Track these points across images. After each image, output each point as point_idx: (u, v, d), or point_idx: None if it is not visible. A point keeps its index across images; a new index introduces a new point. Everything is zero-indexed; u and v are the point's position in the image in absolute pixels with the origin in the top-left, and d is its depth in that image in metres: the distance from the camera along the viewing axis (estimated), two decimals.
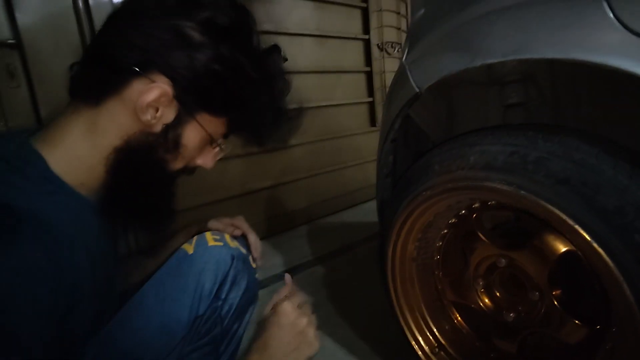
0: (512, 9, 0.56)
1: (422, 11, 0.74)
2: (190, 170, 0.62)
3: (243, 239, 0.84)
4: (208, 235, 0.74)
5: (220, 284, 0.69)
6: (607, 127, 0.66)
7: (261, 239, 0.87)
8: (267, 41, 0.58)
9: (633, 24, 0.45)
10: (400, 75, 0.76)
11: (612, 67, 0.45)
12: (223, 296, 0.69)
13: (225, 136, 0.62)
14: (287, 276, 0.71)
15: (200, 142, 0.58)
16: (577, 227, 0.46)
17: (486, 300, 0.71)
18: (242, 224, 0.86)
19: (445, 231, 0.75)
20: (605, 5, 0.47)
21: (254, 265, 0.79)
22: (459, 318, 0.78)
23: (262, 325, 0.61)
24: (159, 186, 0.58)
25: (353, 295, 1.24)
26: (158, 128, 0.53)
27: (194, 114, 0.54)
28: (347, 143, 2.18)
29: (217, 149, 0.62)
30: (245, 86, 0.55)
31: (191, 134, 0.55)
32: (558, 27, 0.50)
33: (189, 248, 0.71)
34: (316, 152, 2.03)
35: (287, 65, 0.62)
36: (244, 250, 0.75)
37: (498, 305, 0.69)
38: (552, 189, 0.48)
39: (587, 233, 0.46)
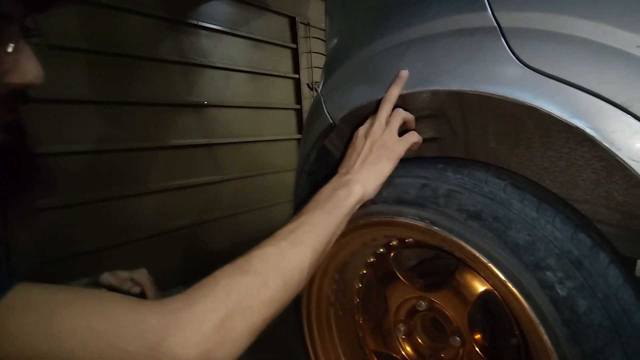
0: (418, 41, 0.55)
1: (335, 41, 0.72)
2: (19, 96, 0.39)
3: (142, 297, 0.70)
4: None
5: None
6: (513, 162, 0.67)
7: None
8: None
9: (528, 59, 0.46)
10: (316, 106, 0.72)
11: (512, 100, 0.45)
12: None
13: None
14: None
15: None
16: (490, 264, 0.43)
17: (408, 349, 0.65)
18: (142, 280, 0.71)
19: (364, 271, 0.70)
20: (503, 41, 0.47)
21: None
22: None
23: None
24: None
25: (272, 346, 1.11)
26: None
27: None
28: (274, 180, 2.11)
29: (22, 48, 0.36)
30: None
31: None
32: (462, 60, 0.50)
33: None
34: (242, 189, 1.92)
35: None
36: None
37: (420, 354, 0.64)
38: (464, 224, 0.45)
39: (501, 271, 0.42)
